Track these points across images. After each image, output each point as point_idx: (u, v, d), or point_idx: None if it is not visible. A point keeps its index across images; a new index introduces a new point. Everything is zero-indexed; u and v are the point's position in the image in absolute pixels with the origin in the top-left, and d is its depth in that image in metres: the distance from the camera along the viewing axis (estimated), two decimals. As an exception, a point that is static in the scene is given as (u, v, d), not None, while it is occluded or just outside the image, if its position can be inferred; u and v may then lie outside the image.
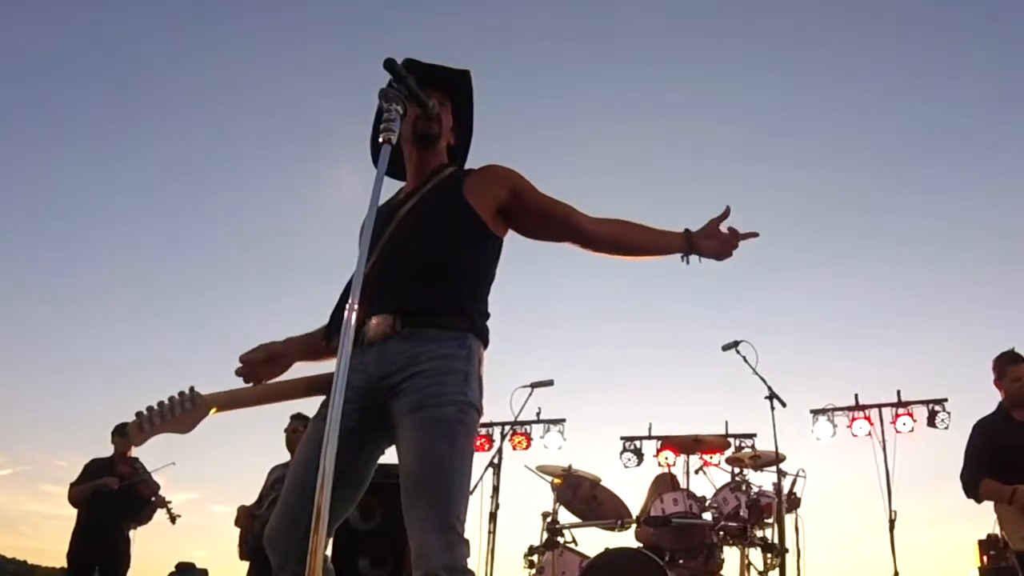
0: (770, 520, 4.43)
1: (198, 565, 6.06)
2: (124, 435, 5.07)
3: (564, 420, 7.41)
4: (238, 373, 1.86)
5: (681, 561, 4.33)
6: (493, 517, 4.90)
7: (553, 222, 1.90)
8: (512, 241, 1.95)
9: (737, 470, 4.74)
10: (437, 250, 1.79)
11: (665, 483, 4.82)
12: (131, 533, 5.11)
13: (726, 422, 6.93)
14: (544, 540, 4.45)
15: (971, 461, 3.78)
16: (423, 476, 1.60)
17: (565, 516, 4.63)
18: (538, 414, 7.31)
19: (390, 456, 1.75)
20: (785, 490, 4.52)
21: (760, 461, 4.67)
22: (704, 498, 4.51)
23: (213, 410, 1.72)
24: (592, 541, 4.61)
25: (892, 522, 5.63)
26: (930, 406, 6.49)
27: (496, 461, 5.06)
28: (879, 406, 6.55)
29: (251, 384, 1.85)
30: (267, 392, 1.79)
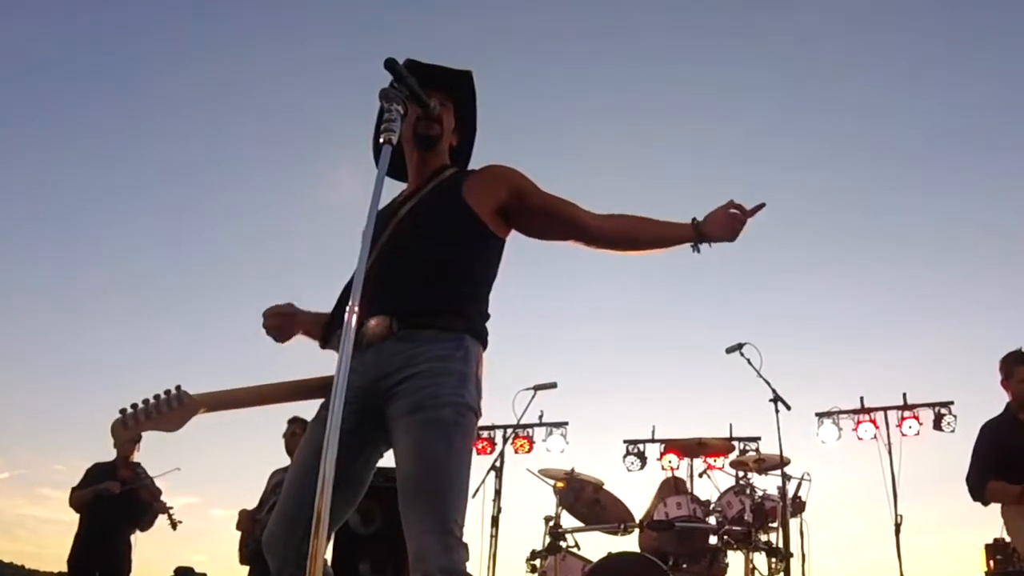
0: (775, 524, 4.39)
1: (197, 570, 6.04)
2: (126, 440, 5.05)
3: (567, 423, 7.42)
4: (267, 326, 1.88)
5: (685, 566, 4.30)
6: (495, 521, 4.87)
7: (556, 220, 1.87)
8: (514, 242, 1.93)
9: (741, 474, 4.71)
10: (435, 251, 1.78)
11: (669, 487, 4.79)
12: (132, 538, 5.09)
13: (730, 425, 6.93)
14: (546, 544, 4.43)
15: (977, 463, 3.75)
16: (420, 479, 1.58)
17: (568, 520, 4.61)
18: (540, 417, 7.31)
19: (390, 459, 1.73)
20: (790, 494, 4.48)
21: (765, 464, 4.64)
22: (708, 502, 4.49)
23: (202, 410, 1.71)
24: (595, 545, 4.59)
25: (898, 526, 5.62)
26: (936, 409, 6.47)
27: (498, 464, 5.03)
28: (885, 409, 6.54)
29: (279, 340, 1.88)
30: (256, 394, 1.78)
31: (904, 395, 6.58)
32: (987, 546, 5.51)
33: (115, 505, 4.93)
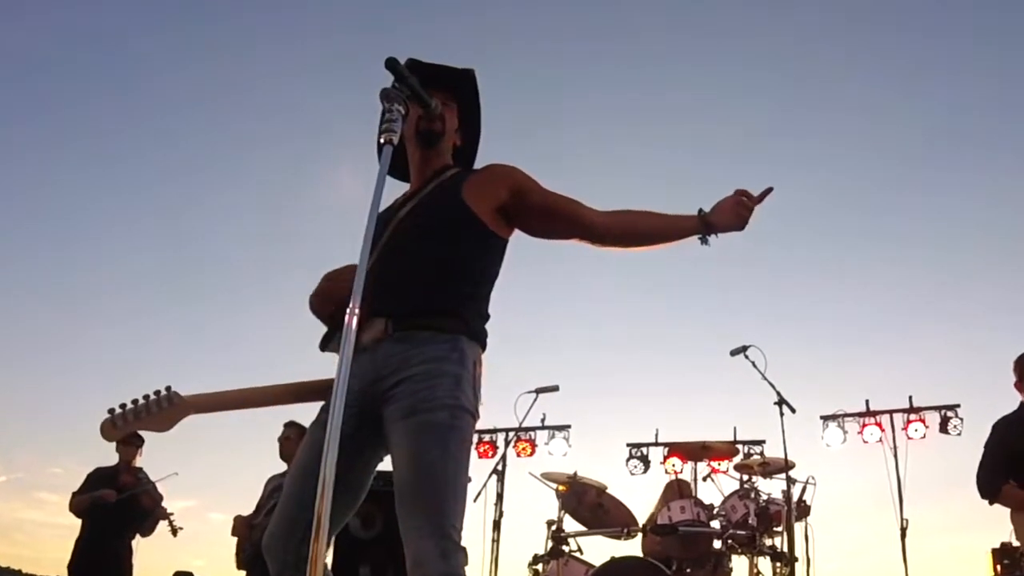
0: (779, 528, 4.38)
1: (196, 574, 6.01)
2: (129, 444, 5.04)
3: (569, 426, 7.39)
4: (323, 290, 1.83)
5: (688, 570, 4.28)
6: (497, 525, 4.85)
7: (559, 219, 1.84)
8: (516, 243, 1.91)
9: (746, 477, 4.70)
10: (434, 251, 1.76)
11: (673, 491, 4.76)
12: (133, 543, 5.07)
13: (734, 428, 6.91)
14: (549, 549, 4.40)
15: (989, 462, 3.71)
16: (416, 483, 1.57)
17: (570, 524, 4.58)
18: (543, 420, 7.27)
19: (390, 462, 1.71)
20: (795, 498, 4.46)
21: (769, 468, 4.62)
22: (712, 506, 4.46)
23: (193, 411, 1.70)
24: (598, 550, 4.57)
25: (904, 530, 5.60)
26: (942, 412, 6.44)
27: (500, 468, 5.00)
28: (890, 412, 6.52)
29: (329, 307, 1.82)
30: (249, 396, 1.76)
31: (910, 398, 6.57)
32: (994, 550, 5.47)
33: (116, 510, 4.91)
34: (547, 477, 4.75)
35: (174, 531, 5.12)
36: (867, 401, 6.65)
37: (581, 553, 4.43)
